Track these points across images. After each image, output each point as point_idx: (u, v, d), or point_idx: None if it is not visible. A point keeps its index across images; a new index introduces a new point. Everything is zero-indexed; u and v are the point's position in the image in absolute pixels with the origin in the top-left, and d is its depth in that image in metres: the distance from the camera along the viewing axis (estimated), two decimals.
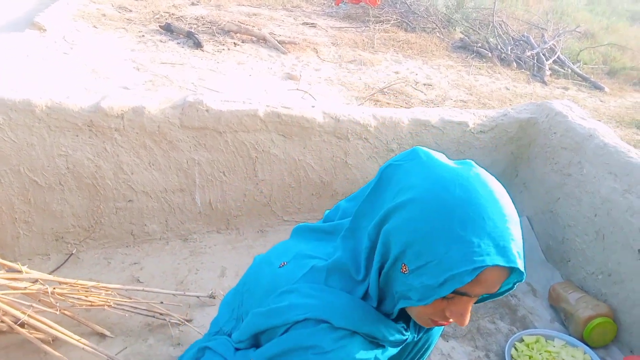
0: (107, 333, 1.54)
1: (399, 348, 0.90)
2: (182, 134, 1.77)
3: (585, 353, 1.54)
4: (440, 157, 0.79)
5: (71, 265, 1.77)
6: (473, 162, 0.78)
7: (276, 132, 1.87)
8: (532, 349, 1.54)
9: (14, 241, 1.72)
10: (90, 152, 1.67)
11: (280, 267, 0.90)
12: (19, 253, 1.73)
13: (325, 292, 0.81)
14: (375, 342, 0.83)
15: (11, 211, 1.68)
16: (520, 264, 0.71)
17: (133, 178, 1.76)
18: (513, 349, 1.55)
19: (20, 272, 1.39)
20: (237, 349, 0.91)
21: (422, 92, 4.41)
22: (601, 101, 5.05)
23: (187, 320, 1.59)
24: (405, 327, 0.87)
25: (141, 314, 1.57)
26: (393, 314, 0.82)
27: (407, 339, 0.87)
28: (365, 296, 0.81)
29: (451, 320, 0.78)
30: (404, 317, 0.88)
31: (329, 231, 0.93)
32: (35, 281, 1.42)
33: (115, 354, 1.46)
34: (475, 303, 0.86)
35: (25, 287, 1.38)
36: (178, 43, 4.69)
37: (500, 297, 0.87)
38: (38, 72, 3.68)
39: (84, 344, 1.39)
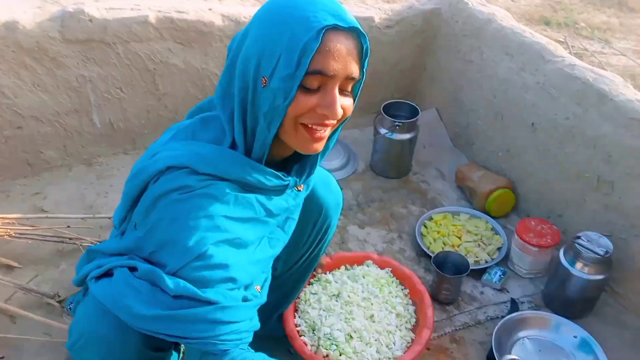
0: (14, 264, 1.47)
1: (285, 197, 0.90)
2: (66, 49, 1.61)
3: (487, 222, 1.67)
4: None
5: None
6: None
7: (173, 40, 1.75)
8: (440, 224, 1.65)
9: None
10: None
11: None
12: None
13: (190, 144, 0.81)
14: (252, 189, 0.82)
15: None
16: (359, 26, 0.75)
17: (18, 102, 1.61)
18: (423, 227, 1.65)
19: None
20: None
21: None
22: (512, 1, 5.16)
23: (100, 242, 1.55)
24: (285, 174, 0.87)
25: (50, 241, 1.51)
26: (267, 145, 0.80)
27: (288, 183, 0.87)
28: (233, 145, 0.81)
29: (328, 122, 0.78)
30: (282, 168, 0.88)
31: (195, 110, 0.94)
32: None
33: (26, 283, 1.40)
34: (351, 97, 0.82)
35: None
36: None
37: (363, 78, 0.82)
38: None
39: None
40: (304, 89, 0.74)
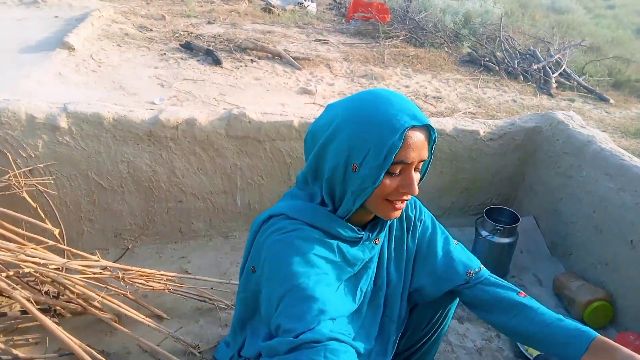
0: (164, 315, 1.76)
1: (361, 248, 1.08)
2: (227, 143, 2.00)
3: None
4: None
5: (127, 258, 1.99)
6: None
7: None
8: None
9: (78, 237, 1.96)
10: (148, 159, 1.91)
11: None
12: (82, 247, 1.95)
13: (288, 201, 1.05)
14: (334, 237, 1.02)
15: (78, 210, 1.92)
16: (429, 122, 0.96)
17: (184, 181, 1.99)
18: None
19: (97, 260, 1.62)
20: None
21: (432, 104, 4.64)
22: (606, 112, 5.25)
23: (233, 305, 1.81)
24: (360, 229, 1.06)
25: (194, 299, 1.79)
26: (350, 211, 1.00)
27: (362, 237, 1.06)
28: (322, 203, 1.02)
29: (406, 197, 0.99)
30: (360, 226, 1.07)
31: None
32: (104, 268, 1.65)
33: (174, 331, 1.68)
34: (421, 180, 1.04)
35: (100, 272, 1.61)
36: (198, 60, 4.96)
37: (431, 159, 1.03)
38: (71, 88, 3.95)
39: (149, 322, 1.61)
40: (388, 174, 0.95)
